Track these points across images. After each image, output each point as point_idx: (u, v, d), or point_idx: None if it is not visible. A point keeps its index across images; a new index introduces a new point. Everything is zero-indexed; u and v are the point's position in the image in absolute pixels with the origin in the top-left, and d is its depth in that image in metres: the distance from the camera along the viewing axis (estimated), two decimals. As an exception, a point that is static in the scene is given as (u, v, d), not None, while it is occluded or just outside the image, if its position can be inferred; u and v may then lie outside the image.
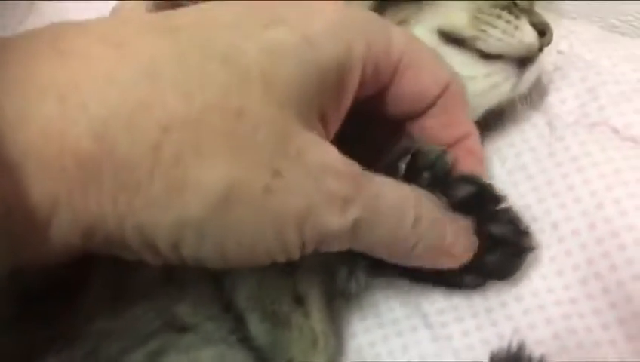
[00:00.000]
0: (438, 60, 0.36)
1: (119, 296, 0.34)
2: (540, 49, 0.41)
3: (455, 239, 0.35)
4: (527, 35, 0.40)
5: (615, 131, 0.42)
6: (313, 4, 0.32)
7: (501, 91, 0.40)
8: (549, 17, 0.48)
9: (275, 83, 0.28)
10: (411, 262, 0.35)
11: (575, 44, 0.47)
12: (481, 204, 0.36)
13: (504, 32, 0.39)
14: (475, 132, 0.38)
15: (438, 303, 0.40)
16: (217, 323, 0.35)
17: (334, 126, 0.32)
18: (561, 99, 0.44)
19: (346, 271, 0.40)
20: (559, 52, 0.46)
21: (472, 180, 0.36)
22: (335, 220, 0.29)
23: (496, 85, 0.40)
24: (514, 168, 0.42)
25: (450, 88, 0.36)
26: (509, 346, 0.36)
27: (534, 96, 0.45)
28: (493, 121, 0.45)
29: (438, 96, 0.36)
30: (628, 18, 0.51)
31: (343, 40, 0.31)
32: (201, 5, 0.38)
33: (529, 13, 0.41)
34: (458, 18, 0.39)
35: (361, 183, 0.30)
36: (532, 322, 0.38)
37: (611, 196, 0.39)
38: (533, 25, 0.40)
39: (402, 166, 0.36)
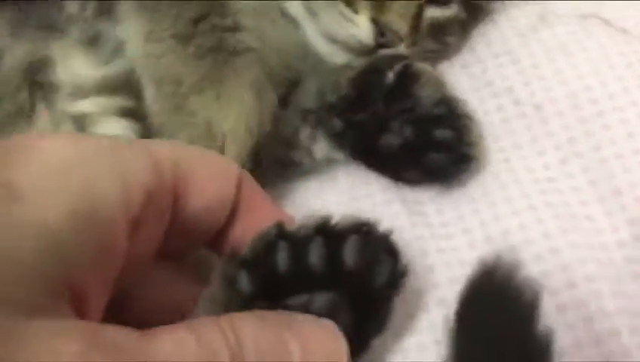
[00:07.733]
0: (217, 157, 0.30)
1: None
2: (379, 46, 0.37)
3: None
4: (361, 32, 0.36)
5: (607, 23, 0.40)
6: None
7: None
8: None
9: None
10: None
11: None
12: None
13: (334, 21, 0.36)
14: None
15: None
16: None
17: (103, 298, 0.24)
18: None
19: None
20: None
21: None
22: None
23: None
24: (500, 52, 0.40)
25: (245, 180, 0.29)
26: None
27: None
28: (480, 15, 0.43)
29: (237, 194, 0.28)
30: None
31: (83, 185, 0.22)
32: None
33: (382, 10, 0.36)
34: None
35: None
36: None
37: (598, 79, 0.38)
38: (377, 22, 0.36)
39: None
